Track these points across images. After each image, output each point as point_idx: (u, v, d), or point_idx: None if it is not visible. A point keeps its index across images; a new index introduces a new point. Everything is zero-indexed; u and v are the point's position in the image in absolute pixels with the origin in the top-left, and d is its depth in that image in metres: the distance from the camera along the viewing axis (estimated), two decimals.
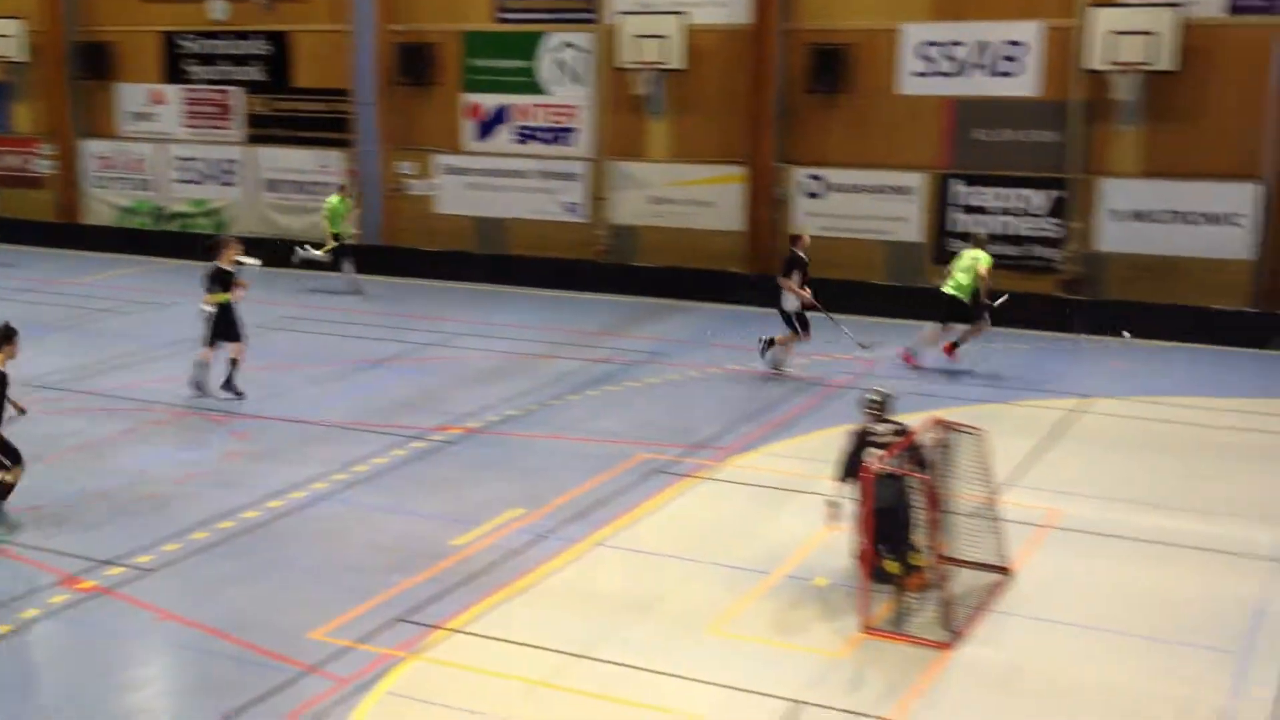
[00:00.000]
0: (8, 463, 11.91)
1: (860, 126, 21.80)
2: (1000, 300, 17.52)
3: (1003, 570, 10.63)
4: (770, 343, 17.33)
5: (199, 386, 16.16)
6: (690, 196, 23.26)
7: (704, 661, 9.33)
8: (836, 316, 17.77)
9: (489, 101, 24.70)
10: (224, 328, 16.14)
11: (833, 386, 16.74)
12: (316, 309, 21.94)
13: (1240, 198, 19.20)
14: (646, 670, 9.18)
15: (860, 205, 21.85)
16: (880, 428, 10.61)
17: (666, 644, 9.62)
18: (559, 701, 8.79)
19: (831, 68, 21.58)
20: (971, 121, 20.97)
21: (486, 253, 24.69)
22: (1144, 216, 19.89)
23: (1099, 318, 19.57)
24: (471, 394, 16.46)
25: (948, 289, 17.56)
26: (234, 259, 16.34)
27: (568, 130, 24.16)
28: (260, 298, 22.66)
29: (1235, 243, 19.27)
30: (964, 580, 10.42)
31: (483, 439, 14.67)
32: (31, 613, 10.14)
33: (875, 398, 10.86)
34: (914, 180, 21.42)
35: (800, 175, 22.29)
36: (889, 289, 21.23)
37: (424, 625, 9.92)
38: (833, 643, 9.59)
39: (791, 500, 12.59)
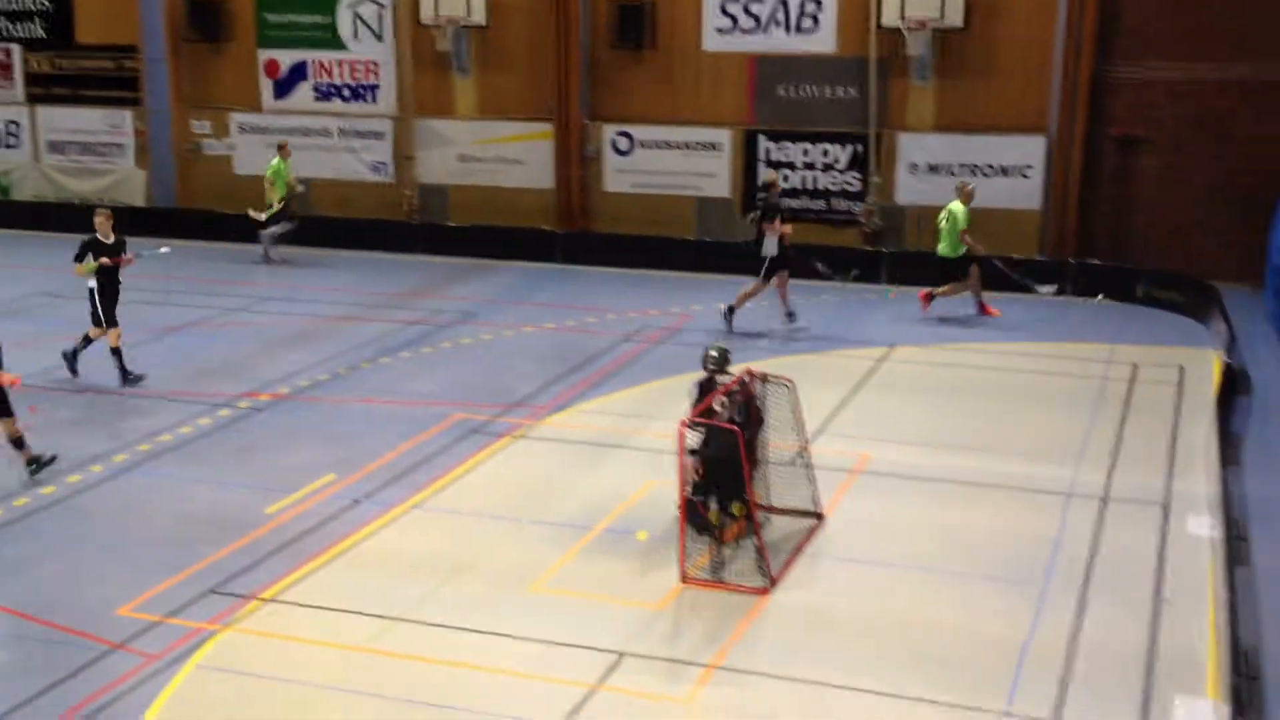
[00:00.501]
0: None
1: (666, 83, 21.94)
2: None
3: (816, 515, 10.96)
4: (731, 310, 17.37)
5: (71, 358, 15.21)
6: (499, 154, 23.05)
7: (526, 619, 9.36)
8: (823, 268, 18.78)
9: (287, 58, 23.95)
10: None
11: (645, 342, 16.90)
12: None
13: (1029, 150, 20.06)
14: (468, 630, 9.18)
15: (669, 161, 22.02)
16: (721, 379, 10.81)
17: (488, 603, 9.62)
18: (379, 666, 8.71)
19: (636, 24, 21.62)
20: (773, 78, 21.31)
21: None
22: (939, 169, 20.60)
23: (900, 267, 20.22)
24: (279, 360, 16.04)
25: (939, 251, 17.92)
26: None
27: (370, 87, 23.63)
28: (53, 264, 21.64)
29: (1026, 194, 20.13)
30: (779, 527, 10.71)
31: (293, 405, 14.34)
32: None
33: (714, 353, 11.02)
34: (721, 136, 21.69)
35: (609, 132, 22.32)
36: (699, 244, 21.49)
37: (237, 596, 9.69)
38: (653, 594, 9.74)
39: (609, 456, 12.70)
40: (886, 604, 9.57)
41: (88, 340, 15.13)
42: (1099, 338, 16.83)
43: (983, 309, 17.97)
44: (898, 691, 8.28)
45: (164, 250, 16.95)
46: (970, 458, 12.49)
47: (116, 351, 14.88)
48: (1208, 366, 15.40)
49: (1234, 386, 14.02)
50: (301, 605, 9.58)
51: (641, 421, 13.63)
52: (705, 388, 10.90)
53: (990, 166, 20.30)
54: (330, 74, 23.80)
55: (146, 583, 9.82)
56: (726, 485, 10.23)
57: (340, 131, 23.82)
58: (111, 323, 14.89)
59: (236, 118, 24.34)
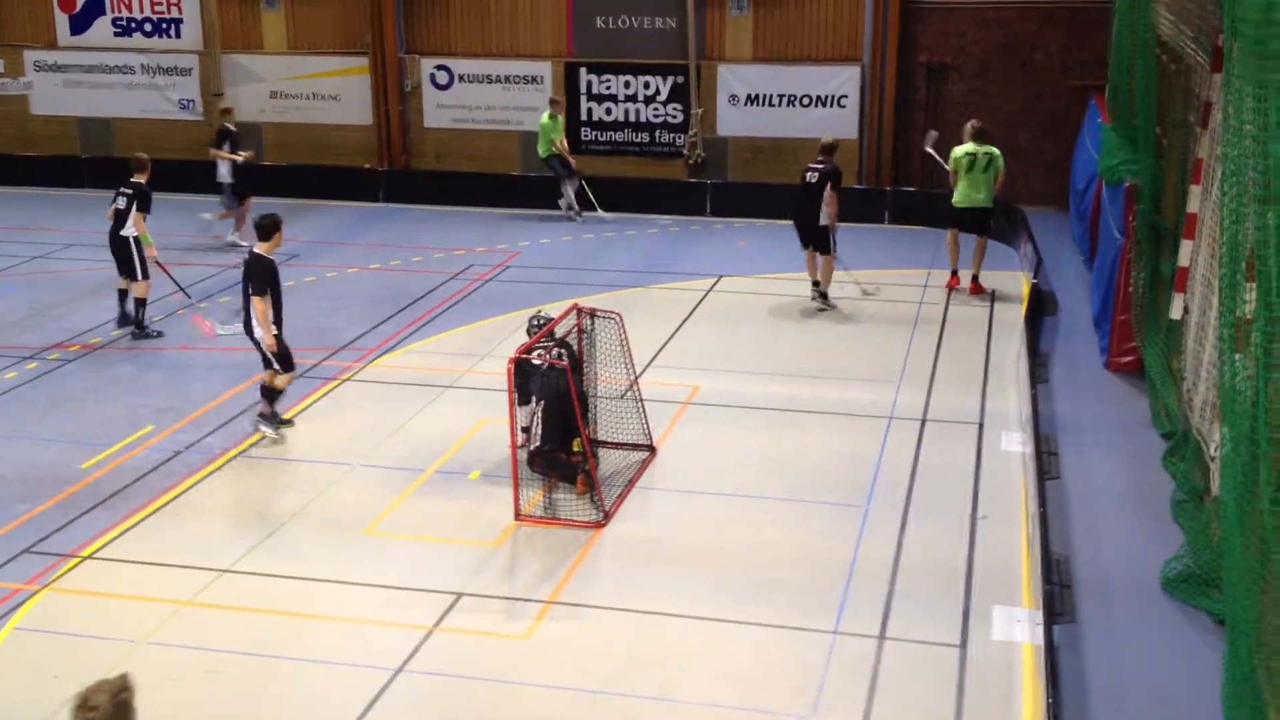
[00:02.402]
0: (278, 367, 11.49)
1: (484, 15, 21.58)
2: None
3: (648, 448, 11.09)
4: (824, 294, 15.38)
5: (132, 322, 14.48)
6: (314, 90, 22.39)
7: (362, 564, 9.27)
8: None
9: None
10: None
11: (473, 280, 16.74)
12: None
13: (845, 80, 20.42)
14: (303, 579, 9.05)
15: (490, 95, 21.72)
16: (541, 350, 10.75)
17: (320, 550, 9.49)
18: (210, 619, 8.53)
19: None
20: (591, 9, 21.15)
21: (93, 155, 22.91)
22: (758, 101, 20.82)
23: (723, 199, 20.45)
24: (87, 309, 15.38)
25: (973, 201, 15.45)
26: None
27: (174, 21, 22.63)
28: None
29: (842, 123, 20.51)
30: (612, 461, 10.81)
31: (104, 355, 13.80)
32: None
33: (539, 322, 10.97)
34: (542, 69, 21.47)
35: (427, 66, 21.88)
36: (524, 179, 21.32)
37: (55, 555, 9.35)
38: (489, 533, 9.74)
39: (439, 396, 12.59)
40: (719, 532, 9.77)
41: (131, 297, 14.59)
42: (915, 264, 17.35)
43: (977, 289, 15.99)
44: (731, 617, 8.48)
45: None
46: (796, 385, 12.77)
47: (141, 303, 14.57)
48: (1017, 288, 16.04)
49: (1042, 307, 14.64)
50: (123, 561, 9.30)
51: (472, 360, 13.54)
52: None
53: (808, 97, 20.61)
54: (130, 7, 22.70)
55: None
56: (562, 425, 10.25)
57: (143, 68, 22.78)
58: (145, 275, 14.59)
59: (31, 55, 23.05)
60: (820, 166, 15.03)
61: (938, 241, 18.16)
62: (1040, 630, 7.90)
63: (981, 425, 11.69)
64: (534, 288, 16.16)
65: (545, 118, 19.85)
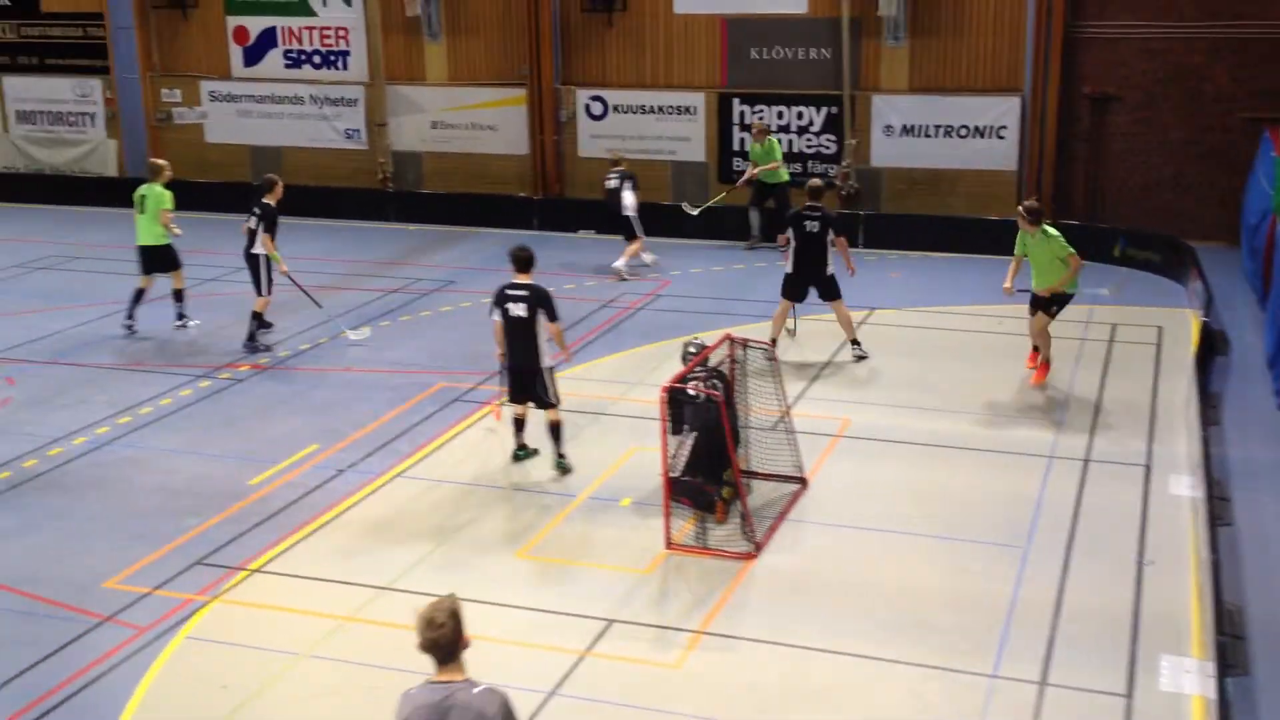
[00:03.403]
0: (553, 400, 11.50)
1: (638, 46, 21.82)
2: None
3: (799, 480, 11.01)
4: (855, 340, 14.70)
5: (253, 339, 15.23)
6: (472, 121, 22.90)
7: (513, 586, 9.40)
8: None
9: (255, 24, 23.68)
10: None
11: (625, 309, 16.88)
12: (88, 246, 20.78)
13: (1004, 110, 20.08)
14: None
15: (643, 126, 21.93)
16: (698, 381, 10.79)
17: (474, 571, 9.65)
18: (368, 635, 8.74)
19: None
20: (746, 40, 21.22)
21: (263, 182, 23.72)
22: (914, 131, 20.60)
23: (878, 231, 20.26)
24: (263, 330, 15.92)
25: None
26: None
27: (341, 54, 23.40)
28: (25, 235, 21.46)
29: (1001, 155, 20.17)
30: (763, 492, 10.76)
31: (273, 375, 14.28)
32: None
33: (694, 350, 11.03)
34: (695, 100, 21.61)
35: (582, 96, 22.21)
36: (676, 209, 21.41)
37: (225, 567, 9.69)
38: (640, 561, 9.78)
39: (592, 423, 12.70)
40: (871, 568, 9.65)
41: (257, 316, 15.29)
42: (1077, 299, 16.89)
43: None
44: (883, 655, 8.36)
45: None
46: (952, 420, 12.55)
47: (257, 316, 15.25)
48: (1186, 326, 15.52)
49: (1212, 346, 14.14)
50: (289, 575, 9.59)
51: (624, 388, 13.65)
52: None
53: (965, 128, 20.32)
54: (300, 40, 23.55)
55: (133, 555, 9.80)
56: (713, 456, 10.26)
57: (311, 99, 23.60)
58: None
59: (207, 86, 24.07)
60: (818, 214, 14.51)
61: (1101, 276, 17.65)
62: (1212, 683, 7.61)
63: (1149, 467, 11.31)
64: (685, 316, 16.22)
65: (764, 145, 19.79)
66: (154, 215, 15.58)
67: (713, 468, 10.36)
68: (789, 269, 14.70)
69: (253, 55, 23.84)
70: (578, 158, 22.37)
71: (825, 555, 9.89)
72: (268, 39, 23.68)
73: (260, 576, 9.56)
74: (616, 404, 13.21)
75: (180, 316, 15.89)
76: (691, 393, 10.30)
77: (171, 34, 23.99)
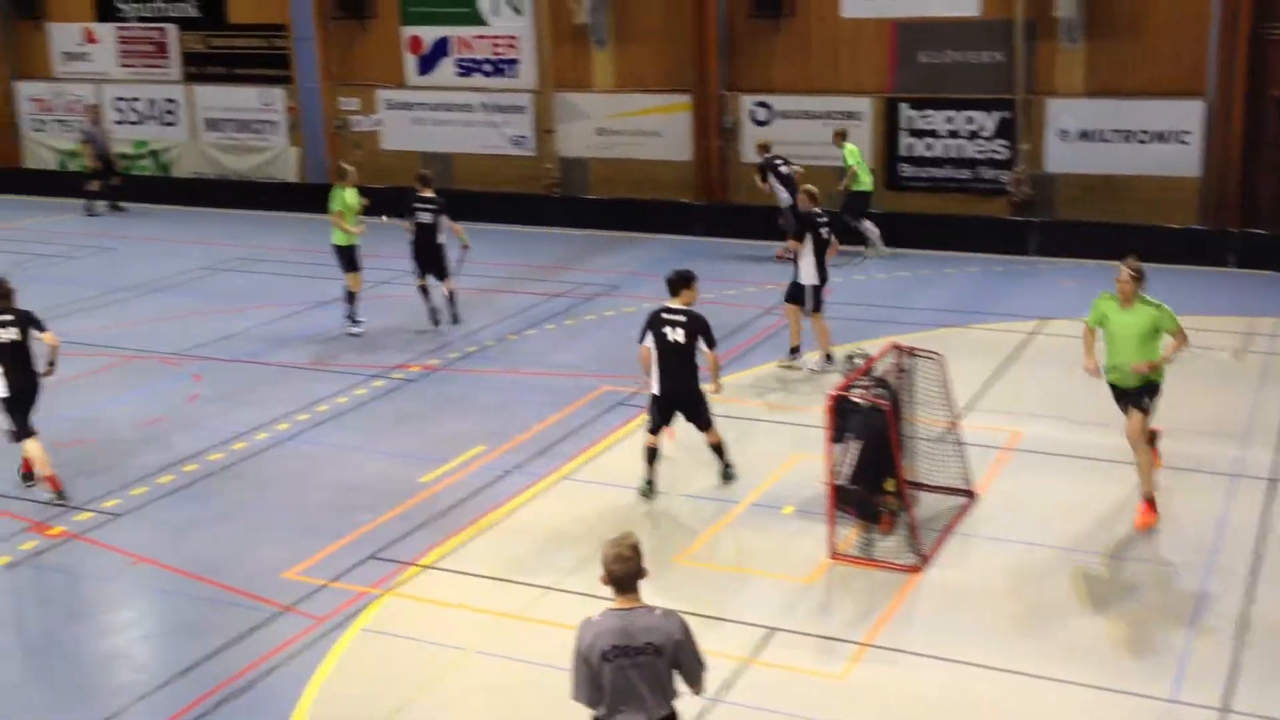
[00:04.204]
0: (711, 419, 11.13)
1: (804, 52, 21.70)
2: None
3: (967, 493, 10.81)
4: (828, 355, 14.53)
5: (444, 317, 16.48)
6: (638, 127, 23.09)
7: (674, 590, 9.42)
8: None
9: (429, 34, 24.31)
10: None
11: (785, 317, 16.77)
12: (269, 249, 21.63)
13: (1186, 115, 19.37)
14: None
15: (808, 131, 21.79)
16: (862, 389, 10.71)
17: None
18: (532, 633, 8.89)
19: None
20: (915, 44, 20.92)
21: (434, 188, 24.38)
22: (1091, 136, 20.02)
23: (1050, 238, 19.77)
24: (429, 331, 16.36)
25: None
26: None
27: (510, 62, 23.86)
28: (211, 238, 22.45)
29: (1183, 160, 19.46)
30: (929, 505, 10.59)
31: (443, 376, 14.64)
32: (3, 560, 10.08)
33: (857, 359, 10.93)
34: (861, 105, 21.39)
35: (747, 103, 22.20)
36: (840, 216, 21.22)
37: (396, 562, 9.97)
38: (802, 570, 9.74)
39: (754, 429, 12.70)
40: (1041, 585, 9.41)
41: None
42: (1263, 311, 16.22)
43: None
44: (1055, 675, 8.15)
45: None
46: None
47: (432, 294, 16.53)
48: None
49: None
50: (457, 572, 9.81)
51: (785, 394, 13.60)
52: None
53: (1145, 132, 19.65)
54: (472, 49, 24.09)
55: (311, 547, 10.16)
56: (877, 465, 10.15)
57: (482, 106, 24.12)
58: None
59: (383, 94, 24.81)
60: (827, 218, 14.45)
61: None
62: None
63: None
64: (847, 324, 16.04)
65: (855, 149, 19.93)
66: (338, 216, 16.23)
67: (876, 477, 10.24)
68: (814, 278, 14.37)
69: (426, 64, 24.47)
70: (741, 164, 22.37)
71: (994, 571, 9.68)
72: (441, 48, 24.29)
73: (430, 572, 9.81)
74: (777, 411, 13.16)
75: (351, 318, 16.37)
76: (857, 400, 10.20)
77: (350, 44, 24.80)
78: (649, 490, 11.07)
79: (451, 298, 16.48)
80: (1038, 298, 17.32)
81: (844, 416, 10.37)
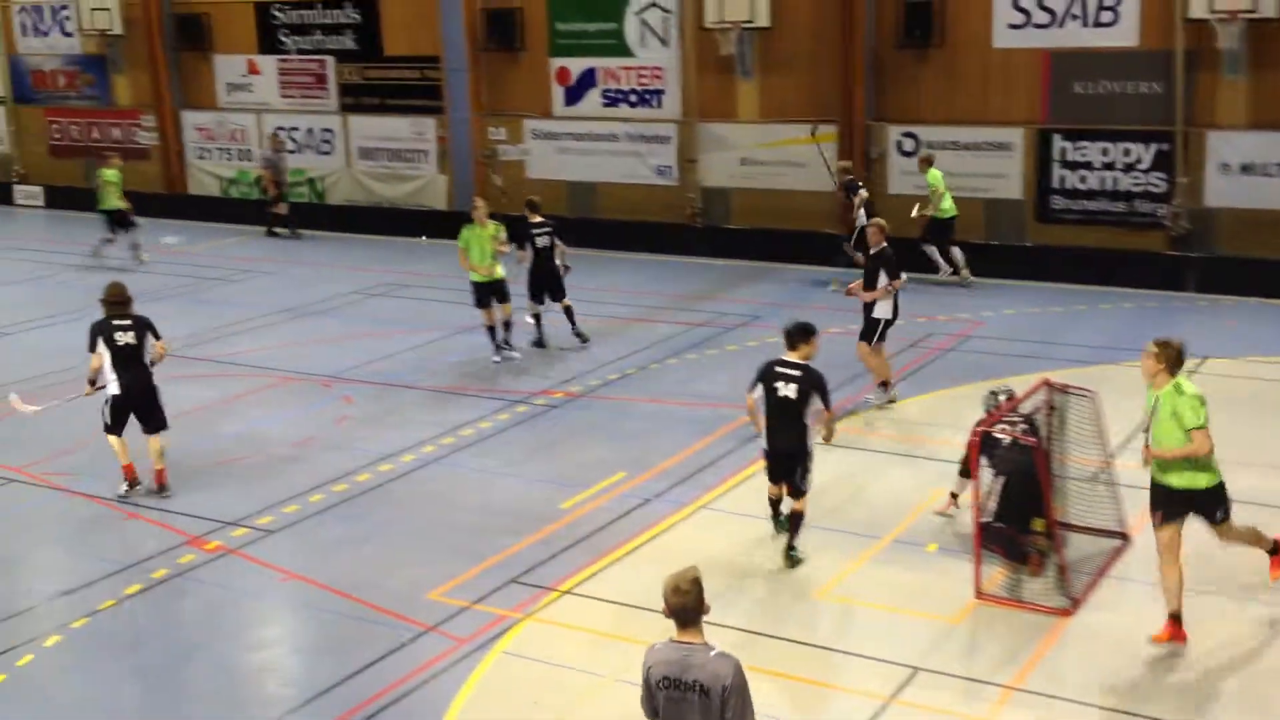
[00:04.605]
0: (806, 489, 10.42)
1: (954, 82, 21.41)
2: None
3: (1121, 536, 10.47)
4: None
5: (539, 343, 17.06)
6: (781, 157, 23.01)
7: (816, 626, 9.35)
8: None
9: (576, 65, 24.64)
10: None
11: (934, 349, 16.55)
12: (417, 275, 22.13)
13: None
14: (758, 634, 9.22)
15: (956, 163, 21.46)
16: (1006, 425, 10.50)
17: (777, 608, 9.65)
18: None
19: (923, 22, 21.19)
20: (1070, 74, 20.47)
21: (578, 217, 24.73)
22: (1253, 169, 19.32)
23: (1210, 275, 19.11)
24: (571, 358, 16.54)
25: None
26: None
27: (656, 92, 24.05)
28: (363, 264, 23.08)
29: None
30: (1081, 546, 10.27)
31: (585, 403, 14.76)
32: (161, 573, 10.47)
33: (1002, 395, 10.72)
34: (1013, 136, 21.00)
35: (894, 133, 21.98)
36: (988, 248, 20.90)
37: (537, 587, 10.05)
38: (946, 609, 9.53)
39: (897, 464, 12.51)
40: (1202, 633, 9.01)
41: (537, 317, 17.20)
42: None
43: None
44: None
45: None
46: None
47: (551, 316, 17.20)
48: None
49: None
50: (597, 599, 9.85)
51: (931, 430, 13.37)
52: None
53: None
54: (618, 80, 24.36)
55: (454, 569, 10.31)
56: (1023, 503, 9.91)
57: (626, 136, 24.34)
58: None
59: (530, 124, 25.23)
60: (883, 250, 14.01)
61: None
62: None
63: None
64: (996, 359, 15.75)
65: (939, 175, 19.97)
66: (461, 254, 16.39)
67: (1023, 515, 10.00)
68: (888, 313, 14.15)
69: (573, 95, 24.81)
70: (887, 195, 22.14)
71: (1150, 617, 9.30)
72: (588, 79, 24.61)
73: (571, 598, 9.87)
74: (922, 446, 12.94)
75: (504, 344, 16.52)
76: (1000, 436, 9.98)
77: (499, 75, 25.29)
78: (781, 526, 10.73)
79: (570, 313, 16.93)
80: (1197, 335, 16.57)
81: (990, 453, 10.17)
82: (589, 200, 24.84)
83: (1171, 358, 8.78)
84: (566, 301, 17.00)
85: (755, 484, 12.06)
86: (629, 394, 15.04)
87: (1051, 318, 18.03)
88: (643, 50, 23.93)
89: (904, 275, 14.23)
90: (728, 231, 23.26)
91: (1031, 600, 9.51)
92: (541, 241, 16.91)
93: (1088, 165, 20.44)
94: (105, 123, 30.27)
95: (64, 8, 30.02)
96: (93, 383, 11.92)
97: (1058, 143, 20.65)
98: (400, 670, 8.81)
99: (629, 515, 11.41)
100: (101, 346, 11.74)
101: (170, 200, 28.82)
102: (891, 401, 14.25)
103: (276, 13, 27.44)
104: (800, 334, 10.36)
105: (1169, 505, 8.81)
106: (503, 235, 16.50)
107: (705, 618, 5.91)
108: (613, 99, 24.47)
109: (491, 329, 16.51)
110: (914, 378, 15.29)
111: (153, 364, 11.97)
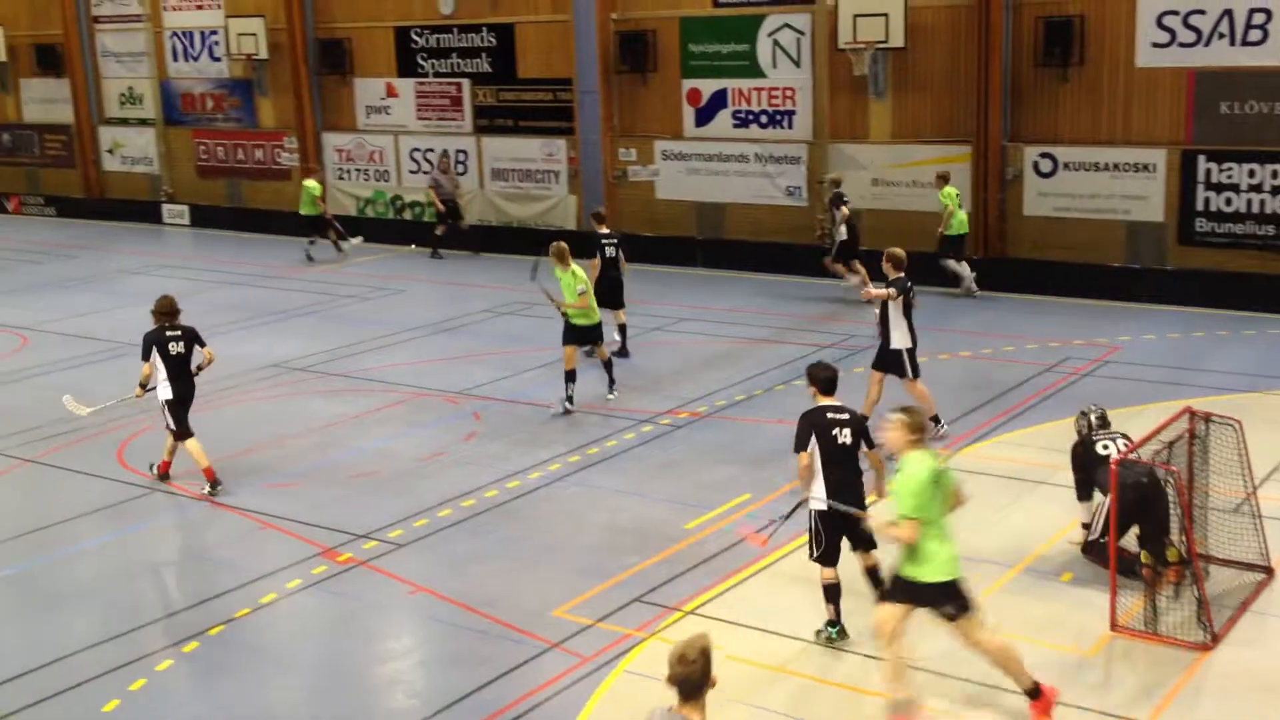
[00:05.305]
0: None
1: (1095, 101, 20.94)
2: None
3: (1265, 569, 10.07)
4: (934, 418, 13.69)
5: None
6: (914, 178, 22.77)
7: (946, 653, 9.13)
8: None
9: (708, 87, 24.71)
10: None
11: (1069, 374, 16.15)
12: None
13: None
14: (885, 659, 9.05)
15: (1096, 184, 20.98)
16: (1108, 441, 10.30)
17: (906, 635, 9.45)
18: (792, 687, 8.78)
19: (1063, 41, 20.78)
20: (1216, 94, 19.86)
21: (706, 237, 24.78)
22: None
23: None
24: (697, 379, 16.55)
25: None
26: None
27: (787, 113, 23.98)
28: (493, 282, 23.43)
29: None
30: (1222, 579, 9.92)
31: (710, 423, 14.73)
32: (295, 583, 10.73)
33: (1095, 418, 10.51)
34: (1155, 157, 20.43)
35: (1031, 154, 21.56)
36: (1128, 271, 20.36)
37: (661, 606, 10.04)
38: (1081, 641, 9.28)
39: (1030, 492, 12.23)
40: None
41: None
42: None
43: None
44: None
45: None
46: None
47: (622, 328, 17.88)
48: None
49: None
50: (720, 620, 9.79)
51: (1063, 456, 12.98)
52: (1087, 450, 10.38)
53: None
54: (749, 101, 24.36)
55: (579, 587, 10.37)
56: (1149, 529, 9.63)
57: (756, 157, 24.31)
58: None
59: (660, 145, 25.37)
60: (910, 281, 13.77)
61: None
62: None
63: None
64: (1135, 385, 15.32)
65: (951, 192, 20.78)
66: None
67: (1157, 544, 9.70)
68: (908, 341, 13.69)
69: (704, 116, 24.88)
70: (1022, 216, 21.73)
71: None
72: (719, 100, 24.66)
73: (694, 618, 9.83)
74: (1056, 473, 12.59)
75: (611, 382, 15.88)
76: (1135, 463, 9.73)
77: (631, 97, 25.49)
78: (838, 635, 9.36)
79: (622, 330, 17.57)
80: None
81: (1089, 473, 10.15)
82: (717, 220, 24.87)
83: (906, 425, 8.27)
84: (623, 317, 17.67)
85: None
86: (755, 415, 14.97)
87: (1193, 343, 17.47)
88: (774, 71, 23.90)
89: (893, 290, 13.71)
90: (858, 253, 23.00)
91: (1169, 634, 9.19)
92: (609, 251, 17.74)
93: (1234, 187, 19.80)
94: (249, 144, 31.30)
95: (213, 33, 31.16)
96: (143, 386, 12.82)
97: (1202, 164, 20.04)
98: (525, 686, 8.88)
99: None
100: (155, 356, 12.70)
101: (309, 219, 29.55)
102: (942, 438, 13.56)
103: (415, 37, 28.08)
104: (832, 380, 9.54)
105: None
106: (580, 289, 15.28)
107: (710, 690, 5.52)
108: (743, 120, 24.47)
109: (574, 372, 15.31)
110: (1048, 402, 14.93)
111: (199, 370, 12.99)
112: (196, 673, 9.44)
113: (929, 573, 8.11)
